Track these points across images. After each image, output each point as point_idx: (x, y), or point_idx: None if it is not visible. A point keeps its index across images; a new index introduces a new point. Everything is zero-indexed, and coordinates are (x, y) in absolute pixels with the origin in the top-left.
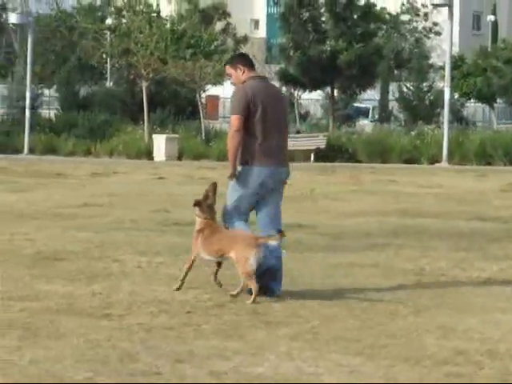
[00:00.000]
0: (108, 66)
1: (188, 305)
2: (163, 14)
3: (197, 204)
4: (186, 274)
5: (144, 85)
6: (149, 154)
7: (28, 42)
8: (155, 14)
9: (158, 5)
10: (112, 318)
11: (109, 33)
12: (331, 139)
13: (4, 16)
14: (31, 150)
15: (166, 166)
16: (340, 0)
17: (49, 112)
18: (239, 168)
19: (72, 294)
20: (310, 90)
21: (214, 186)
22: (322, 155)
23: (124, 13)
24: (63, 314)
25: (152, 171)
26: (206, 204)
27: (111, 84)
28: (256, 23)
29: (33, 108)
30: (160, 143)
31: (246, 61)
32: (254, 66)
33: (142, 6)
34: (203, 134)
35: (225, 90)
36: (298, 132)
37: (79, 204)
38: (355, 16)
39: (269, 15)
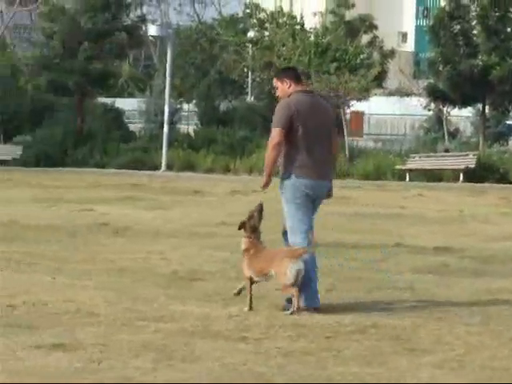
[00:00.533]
0: (249, 80)
1: (328, 329)
2: (307, 26)
3: (241, 227)
4: (250, 295)
5: None
6: None
7: (167, 54)
8: (299, 27)
9: (302, 17)
10: (249, 341)
11: (250, 46)
12: (481, 158)
13: (143, 28)
14: (169, 167)
15: None
16: (493, 13)
17: (187, 127)
18: (285, 182)
19: (208, 315)
20: (459, 106)
21: (260, 206)
22: (472, 175)
23: (267, 25)
24: (198, 337)
25: None
26: (249, 224)
27: (252, 99)
28: (404, 36)
29: (171, 123)
30: None
31: (292, 74)
32: (301, 80)
33: (285, 18)
34: (346, 152)
35: (371, 106)
36: (447, 150)
37: (217, 223)
38: (509, 29)
39: (417, 28)
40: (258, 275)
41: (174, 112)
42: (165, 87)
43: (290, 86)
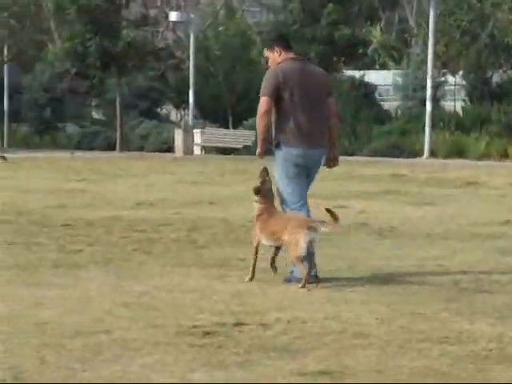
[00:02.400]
0: None
1: None
2: None
3: (258, 191)
4: (254, 262)
5: None
6: None
7: (430, 14)
8: None
9: None
10: None
11: None
12: None
13: None
14: (433, 153)
15: None
16: None
17: (454, 104)
18: (276, 152)
19: (502, 336)
20: None
21: (265, 169)
22: None
23: None
24: (493, 362)
25: None
26: (263, 189)
27: None
28: None
29: (434, 100)
30: None
31: (282, 42)
32: (290, 47)
33: None
34: None
35: None
36: None
37: (501, 221)
38: None
39: None
40: (269, 239)
41: (437, 86)
42: (425, 56)
43: (280, 54)
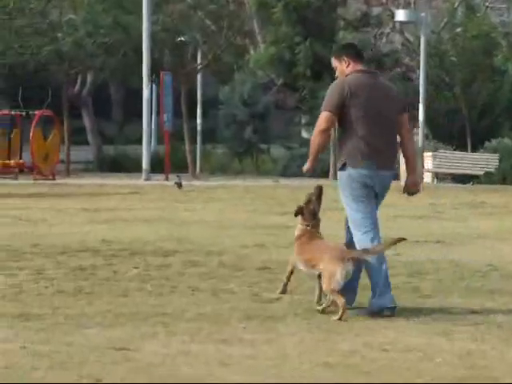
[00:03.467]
0: None
1: None
2: None
3: (298, 212)
4: (287, 281)
5: None
6: None
7: None
8: None
9: None
10: None
11: None
12: None
13: None
14: None
15: None
16: None
17: None
18: (340, 173)
19: None
20: None
21: (319, 189)
22: None
23: None
24: None
25: None
26: (308, 210)
27: None
28: None
29: None
30: None
31: (352, 52)
32: (362, 58)
33: None
34: None
35: None
36: None
37: None
38: None
39: None
40: (305, 265)
41: None
42: None
43: (349, 65)
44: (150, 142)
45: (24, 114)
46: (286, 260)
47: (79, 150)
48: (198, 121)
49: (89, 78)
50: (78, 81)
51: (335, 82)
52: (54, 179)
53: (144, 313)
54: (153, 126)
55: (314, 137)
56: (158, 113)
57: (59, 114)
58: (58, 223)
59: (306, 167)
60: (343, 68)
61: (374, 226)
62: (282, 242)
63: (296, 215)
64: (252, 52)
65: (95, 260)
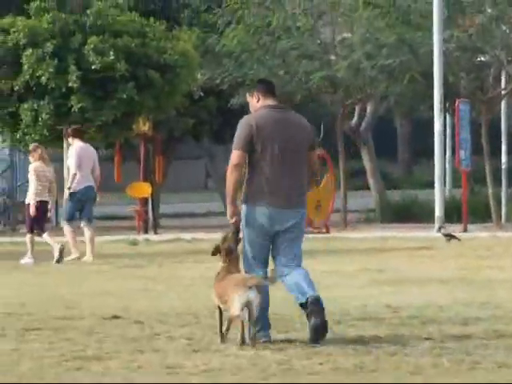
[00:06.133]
0: None
1: None
2: None
3: (214, 253)
4: (220, 324)
5: None
6: None
7: None
8: None
9: None
10: None
11: None
12: None
13: None
14: None
15: None
16: None
17: None
18: (243, 207)
19: None
20: None
21: (236, 227)
22: None
23: None
24: None
25: None
26: (224, 247)
27: None
28: None
29: None
30: None
31: (262, 87)
32: (271, 94)
33: None
34: None
35: None
36: None
37: None
38: None
39: None
40: (220, 302)
41: None
42: None
43: (259, 100)
44: (443, 184)
45: None
46: None
47: (358, 197)
48: (503, 158)
49: (368, 109)
50: (356, 113)
51: (243, 119)
52: (327, 232)
53: None
54: (447, 165)
55: (229, 174)
56: (453, 149)
57: (333, 154)
58: (332, 285)
59: (230, 219)
60: (254, 103)
61: (264, 265)
62: None
63: (213, 255)
64: None
65: (378, 330)
